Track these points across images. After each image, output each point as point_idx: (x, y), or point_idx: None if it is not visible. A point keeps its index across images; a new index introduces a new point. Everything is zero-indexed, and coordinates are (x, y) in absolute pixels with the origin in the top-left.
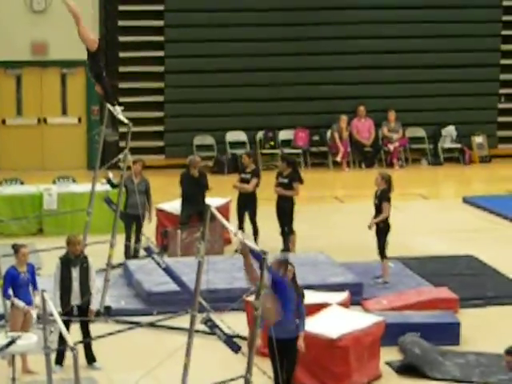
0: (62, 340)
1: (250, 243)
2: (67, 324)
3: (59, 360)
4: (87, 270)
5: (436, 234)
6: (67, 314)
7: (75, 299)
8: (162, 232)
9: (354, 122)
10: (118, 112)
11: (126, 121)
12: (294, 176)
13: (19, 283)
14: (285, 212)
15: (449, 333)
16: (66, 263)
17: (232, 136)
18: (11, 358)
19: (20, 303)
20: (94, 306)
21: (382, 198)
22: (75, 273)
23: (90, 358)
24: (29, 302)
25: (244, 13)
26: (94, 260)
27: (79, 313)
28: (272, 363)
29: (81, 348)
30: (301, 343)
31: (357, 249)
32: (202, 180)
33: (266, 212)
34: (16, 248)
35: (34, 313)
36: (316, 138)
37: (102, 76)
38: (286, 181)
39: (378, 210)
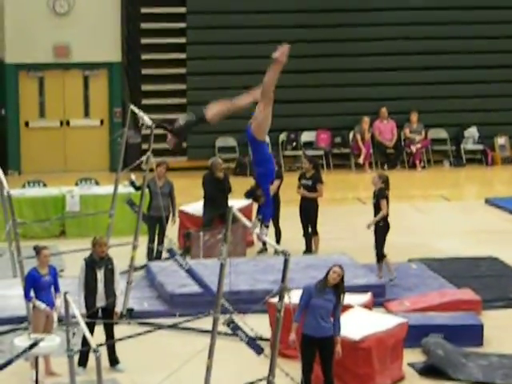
0: (85, 342)
1: (268, 240)
2: (92, 326)
3: (82, 362)
4: (112, 272)
5: (458, 236)
6: (92, 316)
7: (100, 301)
8: (184, 234)
9: (376, 124)
10: (142, 115)
11: (149, 123)
12: (317, 177)
13: (41, 285)
14: (309, 214)
15: (472, 334)
16: (90, 265)
17: None
18: (34, 360)
19: (41, 305)
20: (119, 308)
21: (380, 196)
22: (100, 274)
23: (114, 360)
24: (50, 304)
25: (264, 15)
26: (117, 262)
27: (103, 315)
28: (303, 362)
29: (104, 350)
30: (338, 348)
31: None
32: (225, 182)
33: (289, 213)
34: (37, 250)
35: (55, 315)
36: (338, 139)
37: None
38: (309, 183)
39: (377, 209)
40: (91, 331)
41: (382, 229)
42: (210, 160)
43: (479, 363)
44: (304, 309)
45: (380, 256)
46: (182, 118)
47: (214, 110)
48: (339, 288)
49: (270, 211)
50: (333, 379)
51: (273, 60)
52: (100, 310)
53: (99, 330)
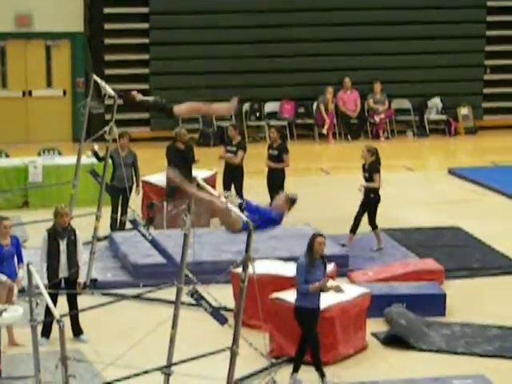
0: (48, 312)
1: (234, 208)
2: (55, 297)
3: (45, 332)
4: (74, 243)
5: (421, 206)
6: (54, 287)
7: (62, 272)
8: (147, 204)
9: (340, 94)
10: (104, 85)
11: (112, 93)
12: (283, 147)
13: (2, 256)
14: (276, 184)
15: (434, 304)
16: (53, 235)
17: None
18: None
19: (2, 277)
20: (82, 278)
21: (372, 170)
22: (63, 245)
23: (77, 331)
24: (13, 275)
25: None
26: (80, 233)
27: (66, 285)
28: (314, 334)
29: (67, 321)
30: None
31: (343, 221)
32: (188, 152)
33: (253, 184)
34: None
35: (15, 286)
36: (302, 109)
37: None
38: (275, 152)
39: (369, 181)
40: (54, 302)
41: (373, 200)
42: (173, 130)
43: (442, 332)
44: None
45: (375, 227)
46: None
47: (185, 108)
48: (323, 257)
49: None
50: (306, 347)
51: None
52: (63, 281)
53: (62, 300)
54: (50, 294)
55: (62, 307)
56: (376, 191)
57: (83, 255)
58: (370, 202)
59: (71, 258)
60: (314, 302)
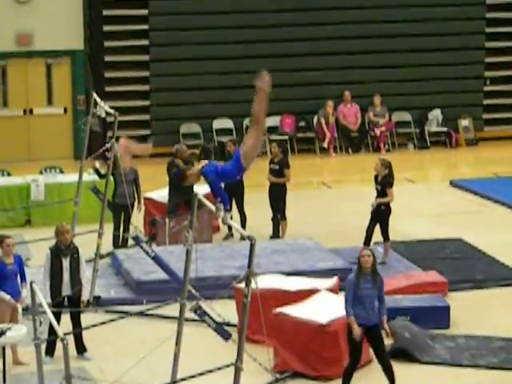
0: (52, 331)
1: (234, 224)
2: (58, 315)
3: (50, 351)
4: (78, 261)
5: (423, 218)
6: (58, 305)
7: (66, 290)
8: (150, 221)
9: (340, 108)
10: (103, 104)
11: (111, 111)
12: (284, 162)
13: (6, 275)
14: (277, 198)
15: (438, 316)
16: (56, 254)
17: (219, 123)
18: (1, 349)
19: (6, 296)
20: (85, 296)
21: (385, 184)
22: (66, 263)
23: (81, 349)
24: (16, 294)
25: (230, 0)
26: (82, 250)
27: (69, 303)
28: (351, 351)
29: (71, 339)
30: (385, 326)
31: (345, 234)
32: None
33: (254, 199)
34: (1, 239)
35: (19, 306)
36: (302, 123)
37: None
38: (277, 167)
39: (381, 195)
40: (58, 320)
41: (384, 213)
42: (174, 147)
43: (446, 345)
44: (352, 301)
45: (387, 239)
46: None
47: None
48: (375, 271)
49: (223, 194)
50: (388, 361)
51: (257, 89)
52: (66, 299)
53: (66, 319)
54: (53, 313)
55: (65, 325)
56: (387, 204)
57: (86, 273)
58: (382, 215)
59: (74, 276)
60: (358, 318)
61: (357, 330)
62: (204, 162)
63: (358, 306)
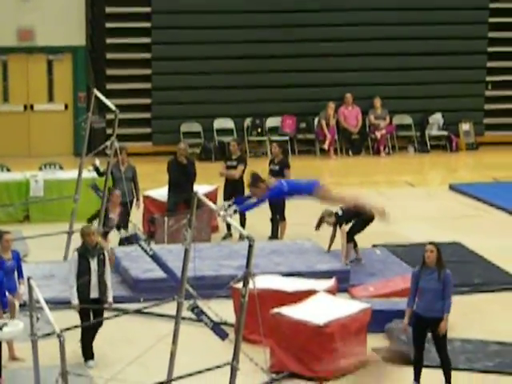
0: (84, 333)
1: (233, 223)
2: (88, 317)
3: (89, 354)
4: (103, 262)
5: (422, 221)
6: (85, 309)
7: (93, 292)
8: (148, 219)
9: (341, 110)
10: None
11: (113, 107)
12: (285, 163)
13: (4, 270)
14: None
15: None
16: (84, 255)
17: (219, 123)
18: None
19: None
20: (110, 298)
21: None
22: (93, 264)
23: (89, 355)
24: (13, 289)
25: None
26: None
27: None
28: (413, 339)
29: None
30: (443, 325)
31: None
32: (190, 167)
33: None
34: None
35: (16, 302)
36: (303, 125)
37: None
38: (277, 168)
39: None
40: (88, 321)
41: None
42: (177, 145)
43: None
44: (415, 293)
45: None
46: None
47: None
48: (441, 265)
49: (250, 207)
50: (446, 357)
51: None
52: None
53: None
54: (84, 315)
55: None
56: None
57: (109, 275)
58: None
59: (101, 278)
60: (418, 308)
61: (405, 322)
62: (273, 180)
63: (419, 298)
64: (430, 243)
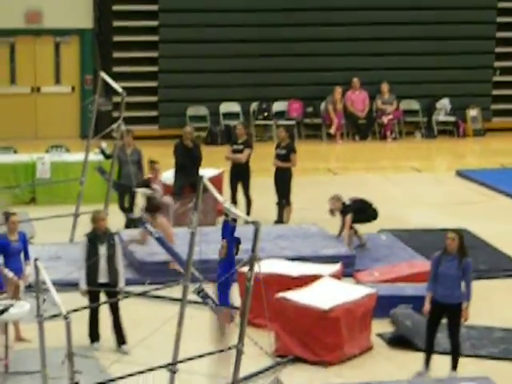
0: (92, 315)
1: (237, 212)
2: (96, 300)
3: (95, 336)
4: (114, 247)
5: (429, 207)
6: (94, 292)
7: (103, 277)
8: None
9: (349, 94)
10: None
11: (120, 90)
12: (291, 147)
13: (10, 251)
14: (283, 183)
15: None
16: (93, 240)
17: (226, 107)
18: (4, 325)
19: (9, 273)
20: (122, 283)
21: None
22: (102, 249)
23: (120, 340)
24: (19, 271)
25: None
26: (87, 230)
27: (107, 291)
28: (427, 324)
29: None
30: (465, 314)
31: None
32: (196, 151)
33: (260, 183)
34: (6, 216)
35: (21, 283)
36: (310, 109)
37: None
38: (283, 152)
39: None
40: (96, 307)
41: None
42: (183, 129)
43: (447, 334)
44: (434, 278)
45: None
46: None
47: None
48: (463, 253)
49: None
50: (456, 343)
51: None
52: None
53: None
54: (91, 299)
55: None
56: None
57: (121, 260)
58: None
59: (111, 263)
60: (436, 294)
61: (426, 306)
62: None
63: (437, 283)
64: (453, 231)
